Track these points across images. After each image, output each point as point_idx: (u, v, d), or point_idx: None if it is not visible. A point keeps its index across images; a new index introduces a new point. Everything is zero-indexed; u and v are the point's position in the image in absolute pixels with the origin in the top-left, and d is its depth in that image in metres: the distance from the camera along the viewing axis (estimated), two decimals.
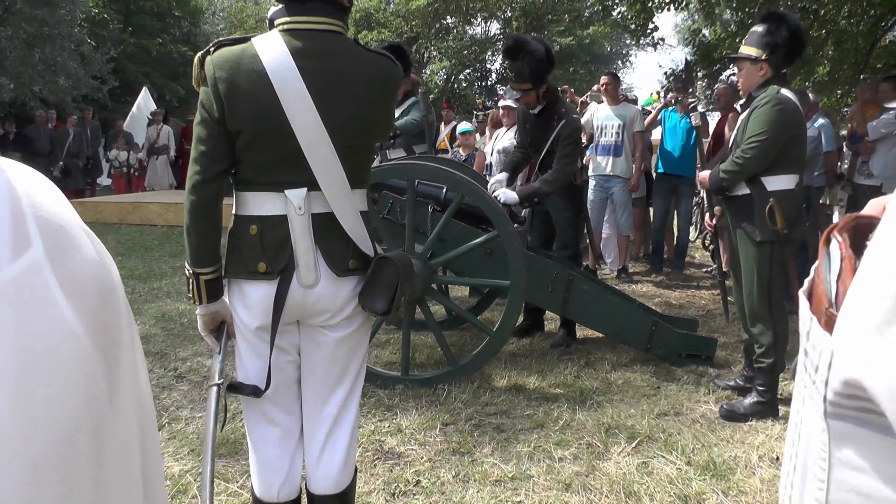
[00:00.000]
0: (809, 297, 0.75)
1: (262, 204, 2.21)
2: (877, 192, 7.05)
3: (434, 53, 26.47)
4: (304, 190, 2.18)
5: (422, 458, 3.68)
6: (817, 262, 0.75)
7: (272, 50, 2.14)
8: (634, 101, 10.19)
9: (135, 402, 0.72)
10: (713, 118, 9.70)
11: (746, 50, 4.29)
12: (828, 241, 0.75)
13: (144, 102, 19.38)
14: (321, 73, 2.16)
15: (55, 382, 0.58)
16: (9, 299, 0.56)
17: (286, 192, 2.18)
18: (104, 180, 17.35)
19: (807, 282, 0.77)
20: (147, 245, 10.29)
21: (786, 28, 4.16)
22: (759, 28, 4.26)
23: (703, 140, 6.52)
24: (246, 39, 2.20)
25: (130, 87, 22.62)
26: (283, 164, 2.18)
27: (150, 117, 16.61)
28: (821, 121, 7.61)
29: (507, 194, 5.17)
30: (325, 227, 2.22)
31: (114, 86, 21.79)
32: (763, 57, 4.20)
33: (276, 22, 2.22)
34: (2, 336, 0.55)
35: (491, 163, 7.91)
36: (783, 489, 0.80)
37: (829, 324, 0.68)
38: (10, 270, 0.56)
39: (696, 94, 9.18)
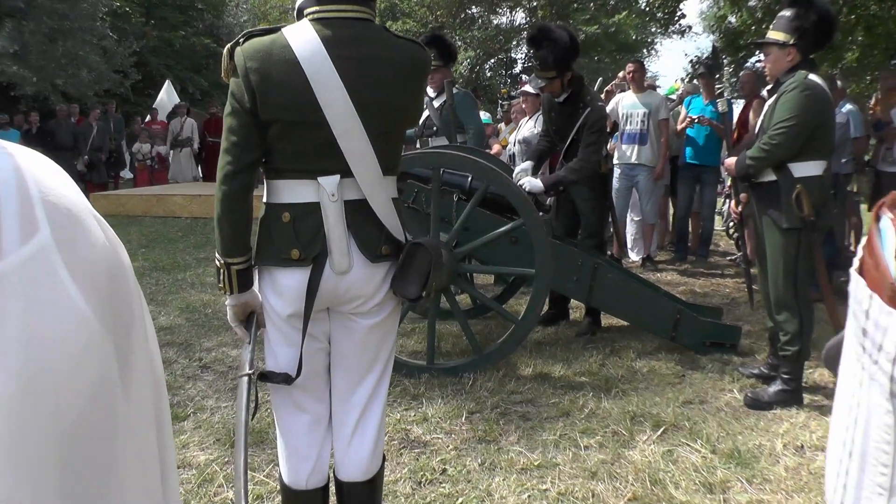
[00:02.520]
0: (861, 273, 0.74)
1: (294, 191, 2.21)
2: None
3: (459, 43, 26.34)
4: (338, 177, 2.18)
5: (448, 446, 3.69)
6: (865, 239, 0.74)
7: (303, 39, 2.13)
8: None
9: (149, 386, 0.72)
10: (738, 105, 9.61)
11: (774, 35, 4.23)
12: (878, 218, 0.73)
13: (167, 95, 19.37)
14: (353, 61, 2.15)
15: (64, 368, 0.58)
16: (16, 284, 0.56)
17: (319, 179, 2.18)
18: (126, 174, 17.36)
19: (856, 259, 0.76)
20: (171, 237, 10.36)
21: (814, 12, 4.08)
22: (786, 12, 4.19)
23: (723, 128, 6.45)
24: (276, 30, 2.18)
25: (153, 80, 22.61)
26: (316, 152, 2.18)
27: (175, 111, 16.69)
28: (849, 106, 7.53)
29: (532, 182, 5.17)
30: (358, 214, 2.23)
31: (136, 79, 21.75)
32: (791, 42, 4.13)
33: (306, 11, 2.21)
34: (9, 321, 0.55)
35: (514, 153, 7.88)
36: (835, 477, 0.77)
37: (894, 300, 0.67)
38: (17, 255, 0.56)
39: (723, 80, 9.09)
